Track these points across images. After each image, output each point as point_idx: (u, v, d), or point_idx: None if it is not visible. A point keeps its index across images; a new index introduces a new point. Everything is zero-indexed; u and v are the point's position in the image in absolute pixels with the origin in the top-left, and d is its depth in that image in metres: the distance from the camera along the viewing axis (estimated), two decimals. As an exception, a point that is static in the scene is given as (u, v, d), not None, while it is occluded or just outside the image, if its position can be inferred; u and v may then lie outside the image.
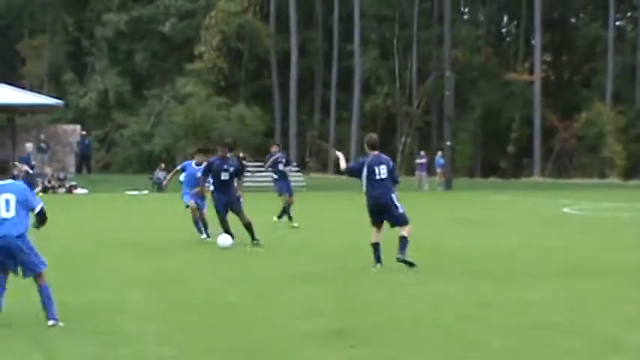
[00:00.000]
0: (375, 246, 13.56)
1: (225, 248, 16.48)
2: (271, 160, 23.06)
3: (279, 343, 8.35)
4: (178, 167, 19.89)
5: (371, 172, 13.53)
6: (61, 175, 42.62)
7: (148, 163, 56.51)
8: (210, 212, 18.02)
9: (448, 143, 49.27)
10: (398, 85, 64.04)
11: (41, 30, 67.63)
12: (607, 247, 17.22)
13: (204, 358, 7.92)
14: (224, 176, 17.14)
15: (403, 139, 62.86)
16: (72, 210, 29.51)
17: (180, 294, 11.24)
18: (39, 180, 39.66)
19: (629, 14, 69.16)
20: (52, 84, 65.28)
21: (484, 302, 10.44)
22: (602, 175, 57.77)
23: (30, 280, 9.16)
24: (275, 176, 22.72)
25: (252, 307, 10.27)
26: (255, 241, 17.03)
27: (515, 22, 70.45)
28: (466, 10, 70.86)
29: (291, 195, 22.28)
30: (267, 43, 63.62)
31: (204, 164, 17.68)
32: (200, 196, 18.23)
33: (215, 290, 11.57)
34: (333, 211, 22.20)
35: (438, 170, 48.28)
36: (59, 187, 41.47)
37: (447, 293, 11.17)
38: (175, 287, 11.82)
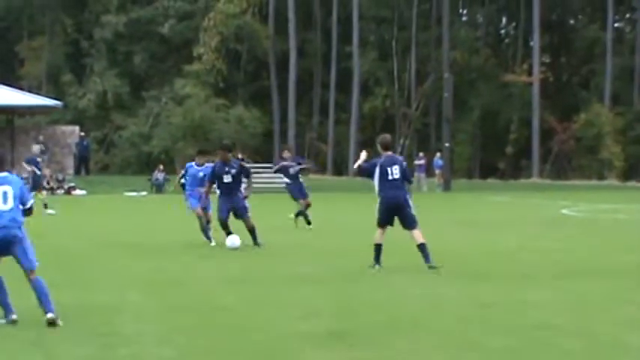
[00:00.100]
0: (378, 247, 13.55)
1: (235, 249, 16.49)
2: (280, 165, 22.86)
3: (278, 344, 8.34)
4: (183, 173, 19.51)
5: (384, 173, 13.50)
6: (60, 177, 42.64)
7: (146, 164, 56.52)
8: (214, 215, 17.90)
9: (447, 144, 49.31)
10: (396, 86, 64.04)
11: (40, 31, 67.64)
12: (606, 248, 17.21)
13: (203, 359, 7.90)
14: (227, 179, 17.09)
15: (402, 141, 62.85)
16: (70, 211, 29.49)
17: (179, 295, 11.22)
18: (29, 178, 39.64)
19: (627, 16, 69.20)
20: (51, 85, 65.29)
21: (484, 303, 10.43)
22: (601, 177, 57.79)
23: (30, 280, 9.19)
24: (288, 181, 22.39)
25: (252, 309, 10.26)
26: (256, 246, 17.03)
27: (514, 24, 70.47)
28: (465, 11, 70.85)
29: (305, 198, 22.01)
30: (265, 45, 63.63)
31: (209, 169, 17.58)
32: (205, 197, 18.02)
33: (214, 291, 11.56)
34: (332, 213, 22.18)
35: (437, 171, 48.32)
36: (58, 188, 41.46)
37: (447, 294, 11.16)
38: (174, 288, 11.80)
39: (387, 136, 14.26)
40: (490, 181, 57.67)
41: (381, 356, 7.88)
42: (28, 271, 9.08)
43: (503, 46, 72.46)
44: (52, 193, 40.15)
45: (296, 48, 62.81)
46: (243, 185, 17.65)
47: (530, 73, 62.00)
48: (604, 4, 62.33)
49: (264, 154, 59.54)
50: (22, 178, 10.44)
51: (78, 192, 41.59)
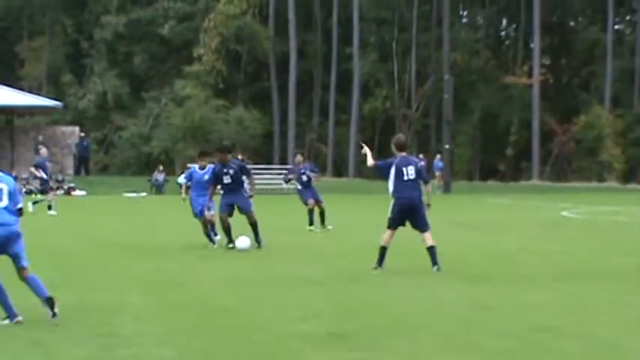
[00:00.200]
0: (383, 250, 13.49)
1: (244, 250, 16.51)
2: (288, 177, 22.89)
3: (277, 345, 8.33)
4: (187, 179, 19.36)
5: (399, 173, 13.44)
6: (60, 177, 42.60)
7: (146, 165, 56.56)
8: (216, 215, 17.89)
9: (447, 146, 49.32)
10: (397, 88, 64.06)
11: (40, 32, 67.67)
12: (606, 250, 17.20)
13: (203, 359, 7.91)
14: (226, 180, 17.12)
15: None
16: (70, 212, 29.48)
17: (179, 296, 11.21)
18: (37, 182, 39.59)
19: (627, 18, 69.24)
20: (51, 86, 65.32)
21: (484, 305, 10.42)
22: (601, 179, 57.82)
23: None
24: (299, 187, 22.40)
25: (251, 309, 10.25)
26: (258, 242, 17.05)
27: (514, 26, 70.50)
28: (465, 13, 70.92)
29: (317, 200, 22.01)
30: (265, 46, 63.64)
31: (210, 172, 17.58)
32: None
33: (214, 292, 11.55)
34: (332, 214, 22.18)
35: (437, 173, 48.29)
36: (57, 188, 41.41)
37: (447, 296, 11.15)
38: (174, 289, 11.79)
39: (402, 137, 14.22)
40: (490, 182, 57.69)
41: (381, 358, 7.87)
42: (25, 268, 9.12)
43: (503, 47, 72.50)
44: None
45: (296, 49, 62.83)
46: (247, 186, 17.60)
47: (530, 74, 62.03)
48: (604, 5, 62.38)
49: (264, 155, 59.58)
50: (15, 178, 10.50)
51: (77, 192, 41.58)
